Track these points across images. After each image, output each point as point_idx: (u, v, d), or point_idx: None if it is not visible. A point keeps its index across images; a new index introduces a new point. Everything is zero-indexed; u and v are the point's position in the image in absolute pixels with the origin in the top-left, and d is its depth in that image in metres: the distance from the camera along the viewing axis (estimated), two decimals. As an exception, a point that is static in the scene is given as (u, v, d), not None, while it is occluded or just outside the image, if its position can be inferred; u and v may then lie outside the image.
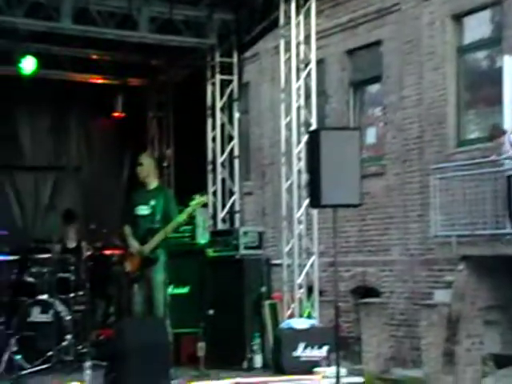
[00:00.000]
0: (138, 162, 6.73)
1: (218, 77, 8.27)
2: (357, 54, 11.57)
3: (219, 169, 8.19)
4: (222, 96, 8.31)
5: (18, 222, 8.90)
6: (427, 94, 10.22)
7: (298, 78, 7.35)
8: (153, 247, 6.44)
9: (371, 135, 11.50)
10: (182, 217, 6.39)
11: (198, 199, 6.41)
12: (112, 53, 8.83)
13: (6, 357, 6.83)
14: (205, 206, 6.90)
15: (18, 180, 9.02)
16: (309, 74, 7.39)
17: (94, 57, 8.93)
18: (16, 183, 9.00)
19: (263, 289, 6.97)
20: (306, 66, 7.40)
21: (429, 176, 9.42)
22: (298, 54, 7.36)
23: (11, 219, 8.80)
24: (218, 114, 8.27)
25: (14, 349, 6.83)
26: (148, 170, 6.69)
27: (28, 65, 8.05)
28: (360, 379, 6.35)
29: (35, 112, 9.17)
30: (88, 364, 6.07)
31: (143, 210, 6.60)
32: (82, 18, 7.48)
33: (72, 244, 7.94)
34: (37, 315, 7.08)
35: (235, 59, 8.31)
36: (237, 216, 8.11)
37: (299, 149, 7.30)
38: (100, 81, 9.21)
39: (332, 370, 6.00)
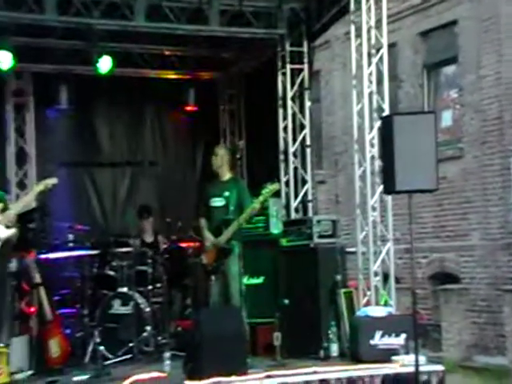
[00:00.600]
0: (214, 152, 6.81)
1: (289, 66, 8.24)
2: (430, 36, 11.27)
3: (291, 158, 8.16)
4: (292, 85, 8.26)
5: (98, 217, 9.17)
6: (506, 72, 9.84)
7: (369, 64, 7.23)
8: (227, 238, 6.49)
9: (447, 118, 11.19)
10: (255, 206, 6.42)
11: (270, 187, 6.42)
12: (184, 48, 8.97)
13: (90, 348, 7.10)
14: (276, 194, 6.93)
15: (97, 177, 9.29)
16: (380, 59, 7.26)
17: (167, 52, 9.08)
18: (95, 180, 9.27)
19: (338, 277, 6.90)
20: (378, 50, 7.26)
21: (509, 158, 9.09)
22: (369, 39, 7.23)
23: (92, 215, 9.10)
24: (289, 103, 8.23)
25: (98, 340, 7.07)
26: (222, 160, 6.76)
27: (104, 64, 8.24)
28: (440, 367, 6.20)
29: (111, 110, 9.41)
30: (167, 354, 6.20)
31: (217, 202, 6.68)
32: (154, 14, 7.60)
33: (149, 238, 8.13)
34: (118, 307, 7.29)
35: (305, 48, 8.25)
36: (310, 205, 8.07)
37: (372, 135, 7.18)
38: (172, 76, 9.35)
39: (411, 358, 5.90)
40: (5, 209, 5.81)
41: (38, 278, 7.28)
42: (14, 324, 7.20)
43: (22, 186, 8.69)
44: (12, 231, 5.83)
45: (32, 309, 7.46)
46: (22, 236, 7.64)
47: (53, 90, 8.80)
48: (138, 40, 8.57)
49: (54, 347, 6.99)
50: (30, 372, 6.84)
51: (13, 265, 7.25)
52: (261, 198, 6.42)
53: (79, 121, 9.21)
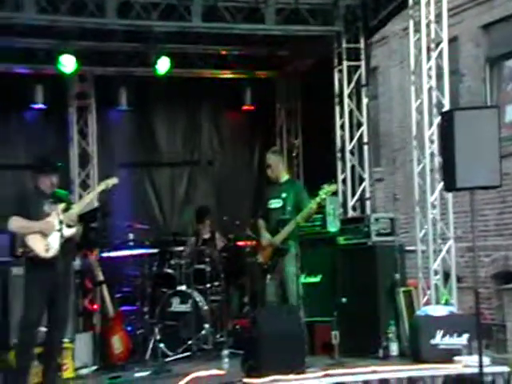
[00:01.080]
0: (267, 164, 6.81)
1: (345, 63, 8.17)
2: (493, 29, 10.96)
3: (348, 156, 8.10)
4: (349, 82, 8.20)
5: (156, 216, 9.32)
6: None
7: (428, 59, 7.09)
8: (283, 238, 6.50)
9: (511, 113, 10.88)
10: (312, 206, 6.40)
11: (328, 188, 6.38)
12: (240, 47, 9.01)
13: (150, 344, 7.22)
14: (334, 194, 6.87)
15: (156, 176, 9.44)
16: (440, 54, 7.11)
17: (223, 52, 9.14)
18: (154, 179, 9.43)
19: (397, 276, 6.81)
20: (438, 45, 7.11)
21: None
22: (428, 34, 7.09)
23: (151, 214, 9.24)
24: (346, 100, 8.17)
25: (158, 337, 7.19)
26: (274, 168, 6.77)
27: (163, 65, 8.35)
28: (505, 368, 6.04)
29: (169, 110, 9.54)
30: (226, 352, 6.24)
31: (275, 204, 6.71)
32: (210, 15, 7.67)
33: (206, 236, 8.20)
34: (177, 305, 7.38)
35: (362, 44, 8.16)
36: (367, 203, 7.99)
37: (431, 131, 7.06)
38: (229, 75, 9.40)
39: (474, 358, 5.75)
40: (67, 208, 5.94)
41: (100, 276, 7.46)
42: (78, 320, 7.40)
43: (84, 186, 8.90)
44: (74, 230, 5.96)
45: (95, 306, 7.65)
46: (84, 235, 7.83)
47: (113, 91, 8.99)
48: (195, 40, 8.66)
49: (117, 344, 7.15)
50: (93, 367, 7.01)
51: (77, 263, 7.45)
52: (317, 199, 6.40)
53: (138, 122, 9.39)
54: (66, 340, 6.34)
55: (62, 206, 5.91)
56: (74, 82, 8.82)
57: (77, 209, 5.90)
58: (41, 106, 8.69)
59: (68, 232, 5.88)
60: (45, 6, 7.24)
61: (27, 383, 5.63)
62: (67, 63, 7.97)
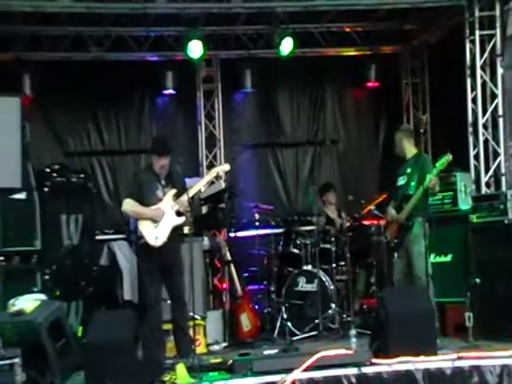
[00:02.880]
0: (394, 139, 6.72)
1: (478, 33, 7.74)
2: None
3: (481, 130, 7.71)
4: (482, 53, 7.77)
5: (281, 196, 9.36)
6: None
7: None
8: (407, 213, 6.36)
9: None
10: (430, 177, 6.20)
11: (443, 159, 6.20)
12: (364, 23, 8.84)
13: (278, 323, 7.30)
14: (465, 167, 6.78)
15: (280, 157, 9.48)
16: None
17: (347, 29, 9.00)
18: (278, 160, 9.47)
19: (537, 255, 6.43)
20: None
21: None
22: None
23: (275, 194, 9.31)
24: (479, 72, 7.75)
25: (285, 316, 7.26)
26: (400, 146, 6.67)
27: (286, 46, 8.33)
28: None
29: (293, 90, 9.54)
30: (353, 332, 6.18)
31: (401, 181, 6.63)
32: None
33: (332, 213, 8.15)
34: (303, 284, 7.42)
35: (497, 12, 7.69)
36: (503, 179, 7.58)
37: None
38: (353, 52, 9.26)
39: None
40: (179, 195, 5.99)
41: (228, 256, 7.63)
42: (208, 298, 7.63)
43: (211, 168, 9.03)
44: (182, 219, 5.98)
45: (224, 285, 7.85)
46: (213, 215, 8.06)
47: (238, 74, 9.10)
48: (318, 19, 8.59)
49: (245, 321, 7.30)
50: (224, 344, 7.22)
51: (205, 243, 7.67)
52: (434, 171, 6.22)
53: (262, 103, 9.46)
54: (197, 317, 6.55)
55: (173, 191, 5.98)
56: (201, 66, 9.02)
57: (187, 196, 5.88)
58: (171, 91, 8.96)
59: (177, 221, 5.95)
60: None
61: (164, 355, 5.86)
62: (195, 49, 8.16)
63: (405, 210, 6.40)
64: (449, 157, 6.24)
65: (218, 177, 6.32)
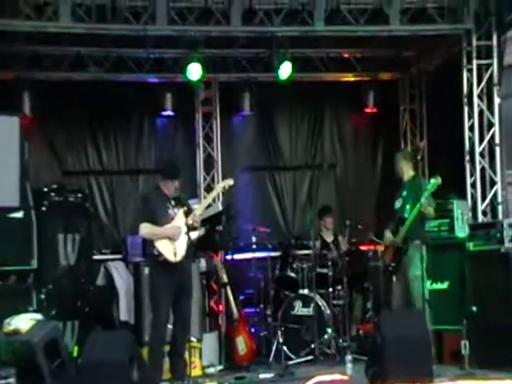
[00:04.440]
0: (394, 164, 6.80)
1: (475, 62, 7.83)
2: None
3: (478, 158, 7.76)
4: (479, 82, 7.85)
5: (279, 219, 9.38)
6: None
7: None
8: (403, 236, 6.39)
9: None
10: (421, 202, 6.24)
11: (432, 181, 6.27)
12: (363, 49, 8.91)
13: (274, 347, 7.27)
14: (462, 195, 6.83)
15: (278, 180, 9.51)
16: None
17: (346, 55, 9.06)
18: (276, 183, 9.50)
19: (534, 284, 6.44)
20: None
21: None
22: None
23: (273, 217, 9.32)
24: (476, 101, 7.83)
25: (281, 340, 7.23)
26: (399, 168, 6.73)
27: (285, 70, 8.38)
28: None
29: (292, 114, 9.59)
30: (349, 357, 6.17)
31: (397, 204, 6.68)
32: (333, 18, 7.64)
33: (329, 238, 8.16)
34: (299, 309, 7.42)
35: (495, 41, 7.78)
36: (499, 207, 7.62)
37: None
38: (351, 78, 9.31)
39: None
40: (189, 211, 6.12)
41: (225, 278, 7.62)
42: (205, 321, 7.61)
43: (209, 189, 9.06)
44: (197, 233, 6.13)
45: (220, 307, 7.82)
46: (210, 237, 8.06)
47: (237, 97, 9.15)
48: (318, 44, 8.65)
49: (241, 345, 7.28)
50: (220, 367, 7.18)
51: (202, 265, 7.66)
52: (425, 194, 6.27)
53: (261, 126, 9.50)
54: (193, 339, 6.53)
55: (183, 209, 6.09)
56: (200, 89, 9.06)
57: (199, 211, 6.08)
58: (170, 113, 9.00)
59: (194, 235, 6.07)
60: (174, 16, 7.50)
61: (161, 378, 5.83)
62: (194, 71, 8.20)
63: (400, 232, 6.45)
64: (438, 180, 6.28)
65: (224, 191, 6.46)
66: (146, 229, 6.07)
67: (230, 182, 6.41)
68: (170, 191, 6.17)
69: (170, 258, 5.95)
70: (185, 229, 6.02)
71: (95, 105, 8.75)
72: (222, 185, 6.40)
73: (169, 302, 6.00)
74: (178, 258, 5.95)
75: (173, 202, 6.17)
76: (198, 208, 6.15)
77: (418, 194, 6.39)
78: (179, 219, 6.08)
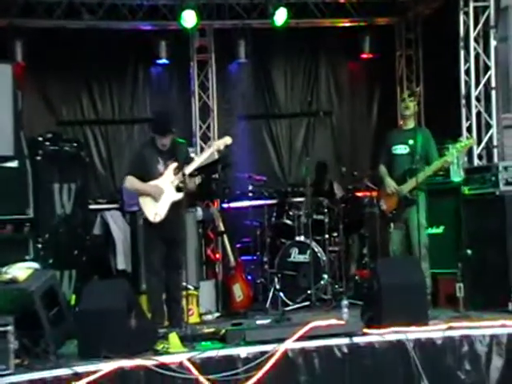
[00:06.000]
0: (405, 103, 6.62)
1: (472, 4, 7.71)
2: None
3: (474, 102, 7.71)
4: (476, 25, 7.74)
5: (275, 167, 9.36)
6: None
7: None
8: (411, 188, 6.36)
9: None
10: (447, 159, 6.23)
11: (466, 142, 6.26)
12: (360, -6, 8.78)
13: (270, 293, 7.35)
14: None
15: (274, 128, 9.45)
16: None
17: (342, 0, 8.90)
18: (272, 131, 9.45)
19: (528, 226, 6.46)
20: None
21: None
22: None
23: (269, 165, 9.30)
24: (472, 44, 7.73)
25: (277, 286, 7.30)
26: (412, 109, 6.61)
27: (280, 16, 8.29)
28: None
29: (288, 61, 9.49)
30: (345, 303, 6.22)
31: (401, 149, 6.56)
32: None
33: (325, 186, 8.16)
34: (295, 255, 7.47)
35: (491, -17, 7.68)
36: (495, 151, 7.60)
37: None
38: (348, 24, 9.19)
39: None
40: (181, 167, 5.90)
41: (221, 227, 7.65)
42: (202, 269, 7.66)
43: (205, 138, 9.06)
44: (180, 195, 5.92)
45: (217, 255, 7.88)
46: (206, 186, 8.05)
47: (232, 45, 9.03)
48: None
49: (238, 292, 7.34)
50: (217, 314, 7.26)
51: (199, 213, 7.67)
52: (454, 152, 6.22)
53: (257, 74, 9.40)
54: (190, 287, 6.57)
55: (174, 165, 5.95)
56: (194, 36, 8.94)
57: (187, 171, 5.85)
58: (164, 61, 8.90)
59: (176, 196, 5.91)
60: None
61: (162, 325, 5.89)
62: (188, 18, 8.08)
63: (409, 183, 6.37)
64: (471, 141, 6.29)
65: (219, 151, 6.20)
66: (128, 182, 6.01)
67: (228, 140, 6.17)
68: (159, 145, 5.99)
69: (150, 217, 5.88)
70: (169, 189, 5.90)
71: (89, 53, 8.61)
72: (218, 143, 6.20)
73: (160, 251, 5.98)
74: (157, 219, 5.85)
75: (165, 156, 5.97)
76: (188, 167, 5.89)
77: (429, 146, 6.36)
78: (167, 176, 5.94)
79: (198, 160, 6.14)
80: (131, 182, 6.00)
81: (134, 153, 6.34)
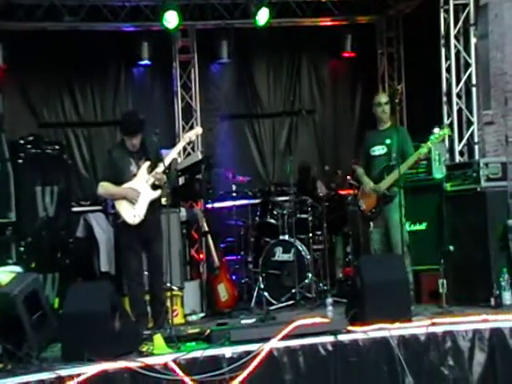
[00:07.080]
0: (377, 103, 6.58)
1: (452, 2, 7.77)
2: None
3: (455, 99, 7.77)
4: (456, 22, 7.81)
5: (258, 167, 9.39)
6: None
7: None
8: (389, 184, 6.39)
9: None
10: (421, 151, 6.24)
11: (439, 133, 6.21)
12: (341, -8, 8.82)
13: (255, 293, 7.36)
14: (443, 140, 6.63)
15: (257, 127, 9.47)
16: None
17: (323, -1, 8.96)
18: (255, 130, 9.47)
19: (510, 222, 6.50)
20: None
21: None
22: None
23: (252, 165, 9.32)
24: (453, 41, 7.79)
25: (262, 286, 7.31)
26: (385, 110, 6.60)
27: (263, 16, 8.30)
28: None
29: (270, 61, 9.53)
30: (330, 300, 6.24)
31: (379, 150, 6.57)
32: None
33: (308, 185, 8.18)
34: (280, 254, 7.48)
35: (471, -19, 7.73)
36: (476, 147, 7.67)
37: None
38: (329, 23, 9.24)
39: None
40: (153, 167, 5.86)
41: (205, 227, 7.64)
42: (186, 269, 7.65)
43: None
44: (158, 192, 5.91)
45: (201, 256, 7.87)
46: (190, 187, 8.05)
47: (214, 45, 9.04)
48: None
49: (223, 292, 7.34)
50: (201, 314, 7.26)
51: (183, 214, 7.66)
52: (429, 144, 6.23)
53: (239, 73, 9.41)
54: (175, 288, 6.56)
55: (147, 164, 5.91)
56: (176, 37, 8.93)
57: (161, 168, 5.82)
58: (147, 62, 8.91)
59: (153, 195, 5.89)
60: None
61: (146, 327, 5.88)
62: (171, 19, 8.07)
63: (386, 180, 6.39)
64: (446, 131, 6.26)
65: (190, 142, 6.18)
66: (102, 188, 5.94)
67: (199, 130, 6.21)
68: (128, 146, 5.91)
69: (129, 220, 5.83)
70: (145, 188, 5.86)
71: (71, 55, 8.60)
72: (188, 134, 6.17)
73: (138, 254, 5.96)
74: (137, 220, 5.82)
75: (136, 156, 5.90)
76: (161, 165, 5.83)
77: (405, 143, 6.38)
78: (141, 176, 5.89)
79: (172, 154, 6.09)
80: (105, 187, 5.94)
81: (106, 158, 6.26)
